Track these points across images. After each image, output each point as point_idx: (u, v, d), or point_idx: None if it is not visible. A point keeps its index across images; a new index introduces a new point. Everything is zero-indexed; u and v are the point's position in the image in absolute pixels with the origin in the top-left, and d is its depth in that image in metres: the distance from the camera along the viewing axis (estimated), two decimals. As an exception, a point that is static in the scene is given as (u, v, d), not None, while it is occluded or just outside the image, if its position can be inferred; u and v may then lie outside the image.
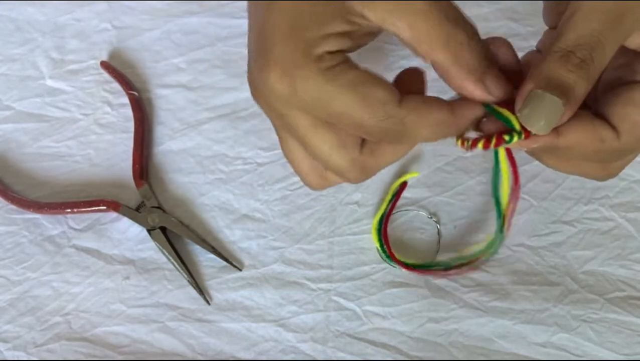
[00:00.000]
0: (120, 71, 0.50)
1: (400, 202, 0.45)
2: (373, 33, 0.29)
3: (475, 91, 0.27)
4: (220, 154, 0.47)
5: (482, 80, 0.27)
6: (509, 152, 0.31)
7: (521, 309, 0.42)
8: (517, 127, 0.27)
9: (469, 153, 0.45)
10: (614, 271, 0.42)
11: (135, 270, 0.44)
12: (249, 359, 0.42)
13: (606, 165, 0.31)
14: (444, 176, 0.45)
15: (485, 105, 0.28)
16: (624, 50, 0.28)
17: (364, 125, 0.27)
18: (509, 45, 0.29)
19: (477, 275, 0.43)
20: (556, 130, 0.27)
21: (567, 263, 0.43)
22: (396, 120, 0.27)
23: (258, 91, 0.29)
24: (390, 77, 0.48)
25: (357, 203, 0.45)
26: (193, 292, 0.43)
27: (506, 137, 0.27)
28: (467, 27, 0.27)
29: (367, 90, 0.26)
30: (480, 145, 0.28)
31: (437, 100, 0.28)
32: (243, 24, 0.51)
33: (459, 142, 0.29)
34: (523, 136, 0.27)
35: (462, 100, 0.28)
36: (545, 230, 0.44)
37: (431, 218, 0.44)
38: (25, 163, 0.48)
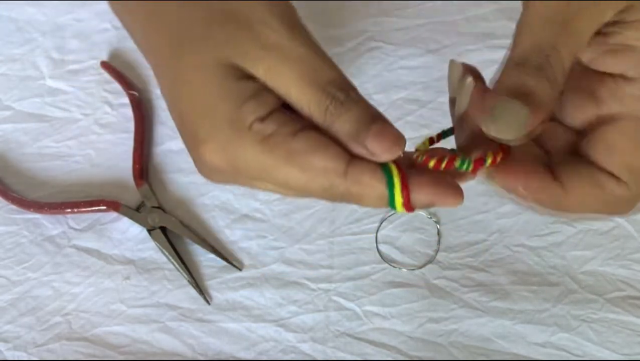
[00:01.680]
0: (120, 71, 0.50)
1: (400, 202, 0.45)
2: None
3: (357, 151, 0.26)
4: (220, 154, 0.47)
5: (362, 143, 0.26)
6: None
7: (521, 309, 0.42)
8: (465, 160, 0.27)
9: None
10: (613, 271, 0.42)
11: (136, 270, 0.44)
12: (249, 359, 0.42)
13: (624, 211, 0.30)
14: (444, 176, 0.45)
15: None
16: (585, 71, 0.28)
17: (309, 191, 0.26)
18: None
19: (477, 275, 0.43)
20: (561, 183, 0.27)
21: (567, 264, 0.43)
22: (340, 191, 0.26)
23: (204, 172, 0.29)
24: (389, 76, 0.48)
25: (357, 203, 0.45)
26: (193, 292, 0.43)
27: (457, 162, 0.27)
28: (342, 93, 0.26)
29: (307, 160, 0.26)
30: (431, 163, 0.27)
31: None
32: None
33: (415, 155, 0.28)
34: (470, 166, 0.27)
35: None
36: (545, 230, 0.44)
37: (431, 218, 0.44)
38: (25, 163, 0.48)
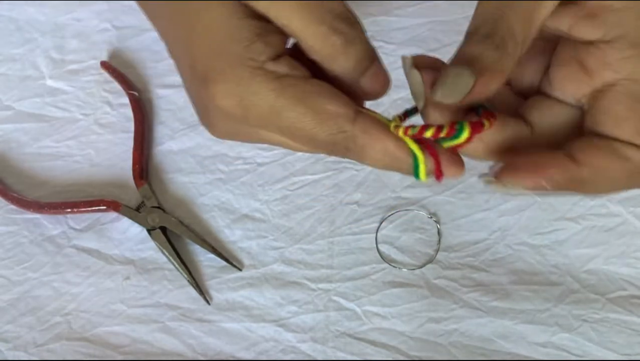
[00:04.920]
0: (120, 71, 0.50)
1: (400, 202, 0.45)
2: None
3: (357, 90, 0.27)
4: (220, 154, 0.47)
5: (357, 82, 0.27)
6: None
7: (521, 309, 0.42)
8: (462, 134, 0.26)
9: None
10: (617, 269, 0.42)
11: (136, 270, 0.44)
12: (249, 359, 0.42)
13: None
14: (445, 175, 0.45)
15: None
16: (571, 45, 0.28)
17: (315, 138, 0.26)
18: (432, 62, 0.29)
19: (477, 275, 0.43)
20: (574, 159, 0.26)
21: (569, 262, 0.43)
22: (347, 136, 0.26)
23: (208, 117, 0.28)
24: (391, 77, 0.48)
25: (357, 203, 0.45)
26: (193, 292, 0.43)
27: (456, 127, 0.26)
28: (348, 26, 0.26)
29: (319, 103, 0.26)
30: (429, 133, 0.26)
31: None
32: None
33: (400, 132, 0.27)
34: (467, 131, 0.26)
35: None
36: (548, 228, 0.43)
37: (431, 218, 0.44)
38: (25, 163, 0.48)
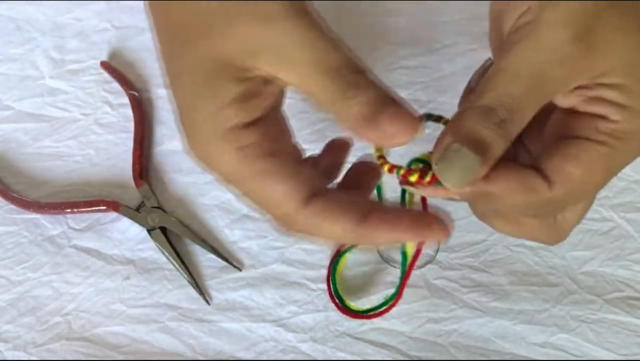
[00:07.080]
0: (120, 71, 0.50)
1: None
2: (274, 94, 0.28)
3: (369, 134, 0.26)
4: (220, 154, 0.47)
5: (374, 122, 0.25)
6: (424, 201, 0.31)
7: (520, 309, 0.42)
8: None
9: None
10: (613, 271, 0.43)
11: (135, 270, 0.44)
12: (249, 359, 0.42)
13: (550, 224, 0.30)
14: (444, 176, 0.45)
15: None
16: (557, 108, 0.28)
17: (268, 213, 0.28)
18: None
19: (476, 276, 0.43)
20: (486, 176, 0.26)
21: (567, 264, 0.43)
22: (291, 220, 0.27)
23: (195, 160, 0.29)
24: (389, 76, 0.48)
25: (357, 203, 0.45)
26: (193, 292, 0.43)
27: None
28: (353, 76, 0.26)
29: (269, 184, 0.27)
30: (413, 178, 0.27)
31: (351, 207, 0.27)
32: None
33: (386, 168, 0.27)
34: None
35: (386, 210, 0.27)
36: (545, 230, 0.44)
37: (431, 218, 0.44)
38: (25, 163, 0.48)
